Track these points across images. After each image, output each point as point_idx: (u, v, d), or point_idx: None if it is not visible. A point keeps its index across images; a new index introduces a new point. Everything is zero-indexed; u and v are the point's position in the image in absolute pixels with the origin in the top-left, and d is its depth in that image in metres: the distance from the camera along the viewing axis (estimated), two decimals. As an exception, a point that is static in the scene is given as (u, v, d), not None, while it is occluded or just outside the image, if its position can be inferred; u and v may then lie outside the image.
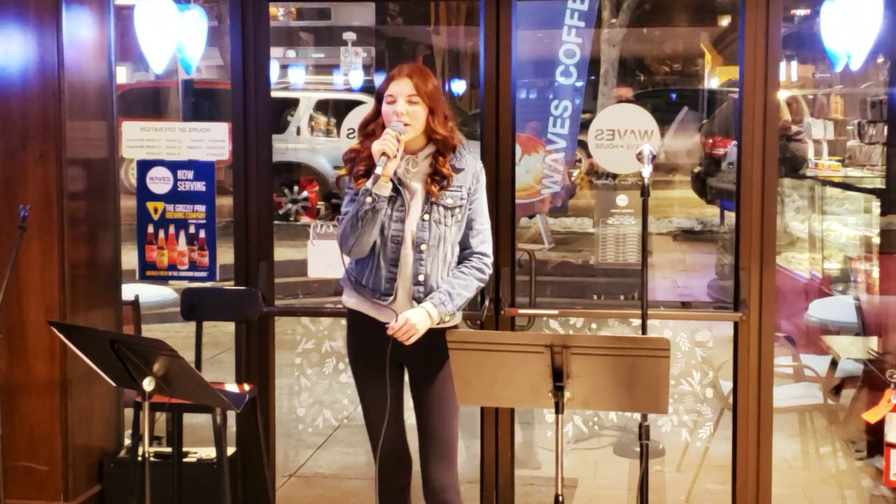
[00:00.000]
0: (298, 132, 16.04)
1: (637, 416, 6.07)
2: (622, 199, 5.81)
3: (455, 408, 4.59)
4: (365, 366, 4.62)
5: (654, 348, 3.79)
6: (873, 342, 6.72)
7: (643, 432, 4.52)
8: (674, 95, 19.39)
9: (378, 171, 4.29)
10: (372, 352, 4.54)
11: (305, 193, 15.03)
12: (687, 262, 11.81)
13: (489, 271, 4.60)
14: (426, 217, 4.46)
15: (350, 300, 4.63)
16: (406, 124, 4.39)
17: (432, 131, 4.45)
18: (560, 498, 3.97)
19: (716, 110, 15.59)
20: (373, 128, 4.52)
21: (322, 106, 16.70)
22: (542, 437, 6.56)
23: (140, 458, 4.44)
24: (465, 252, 4.57)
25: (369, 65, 19.86)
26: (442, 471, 4.60)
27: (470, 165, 4.56)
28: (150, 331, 6.77)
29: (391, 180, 4.38)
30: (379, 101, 4.51)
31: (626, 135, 5.65)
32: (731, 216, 11.47)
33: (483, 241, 4.59)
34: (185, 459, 5.77)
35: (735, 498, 5.64)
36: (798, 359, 6.90)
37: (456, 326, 4.65)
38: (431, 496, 4.62)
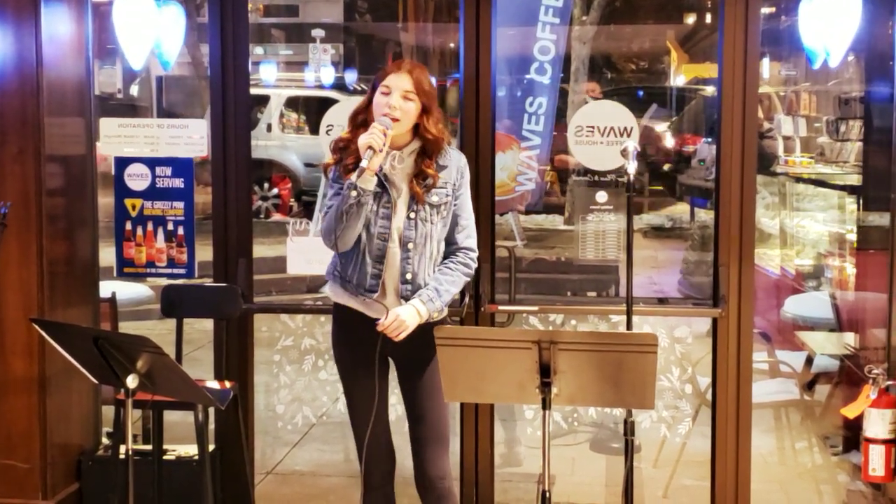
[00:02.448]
0: (269, 129, 15.97)
1: (616, 412, 6.10)
2: (601, 196, 5.82)
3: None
4: (352, 360, 4.58)
5: (641, 344, 3.80)
6: (849, 338, 6.76)
7: (628, 428, 4.52)
8: (640, 93, 19.42)
9: (363, 164, 4.27)
10: (360, 345, 4.52)
11: (276, 191, 15.01)
12: (658, 259, 11.83)
13: (475, 265, 4.61)
14: (412, 215, 4.44)
15: (335, 294, 4.61)
16: (395, 119, 4.37)
17: (424, 130, 4.44)
18: (547, 494, 3.98)
19: (685, 107, 15.63)
20: (363, 118, 4.49)
21: (293, 103, 16.63)
22: (521, 434, 6.57)
23: (123, 456, 4.42)
24: (451, 247, 4.57)
25: (338, 62, 19.82)
26: (440, 457, 4.57)
27: (454, 161, 4.54)
28: (124, 328, 6.73)
29: (377, 175, 4.38)
30: (373, 90, 4.47)
31: (606, 131, 5.66)
32: (700, 213, 11.56)
33: (468, 235, 4.58)
34: (164, 457, 5.74)
35: (714, 494, 5.66)
36: (773, 355, 6.93)
37: (444, 321, 4.64)
38: (430, 484, 4.58)
